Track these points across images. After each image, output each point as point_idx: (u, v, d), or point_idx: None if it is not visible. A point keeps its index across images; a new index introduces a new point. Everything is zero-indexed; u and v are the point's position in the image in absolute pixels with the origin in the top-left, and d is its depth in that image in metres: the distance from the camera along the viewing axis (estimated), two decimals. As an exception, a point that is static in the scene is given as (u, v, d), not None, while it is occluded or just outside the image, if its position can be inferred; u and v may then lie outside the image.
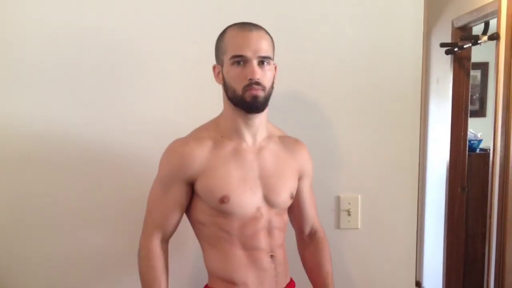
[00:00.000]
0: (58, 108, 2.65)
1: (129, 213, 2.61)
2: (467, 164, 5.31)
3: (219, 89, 2.13)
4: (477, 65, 6.29)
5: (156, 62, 2.67)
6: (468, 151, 5.34)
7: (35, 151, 2.66)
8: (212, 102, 2.23)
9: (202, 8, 2.66)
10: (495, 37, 4.19)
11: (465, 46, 4.91)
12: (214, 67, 2.12)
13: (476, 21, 4.82)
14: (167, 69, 2.68)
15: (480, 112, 6.80)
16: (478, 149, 5.84)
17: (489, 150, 4.40)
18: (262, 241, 2.11)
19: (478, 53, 5.32)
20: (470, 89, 5.26)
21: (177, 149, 2.08)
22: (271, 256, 2.14)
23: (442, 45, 5.16)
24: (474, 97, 6.73)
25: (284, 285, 2.21)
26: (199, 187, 2.06)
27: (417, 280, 5.98)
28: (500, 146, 4.10)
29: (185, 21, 2.66)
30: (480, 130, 5.92)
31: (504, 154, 4.05)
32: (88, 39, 2.63)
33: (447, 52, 5.19)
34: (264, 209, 2.11)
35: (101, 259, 2.74)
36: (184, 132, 2.16)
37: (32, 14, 2.61)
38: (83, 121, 2.66)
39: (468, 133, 5.33)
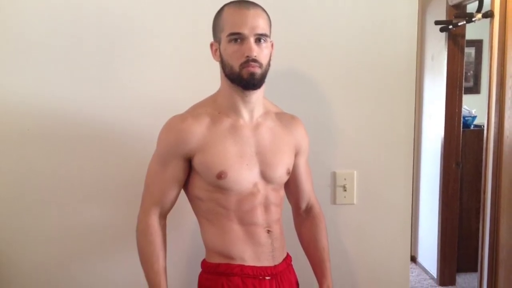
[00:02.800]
0: (57, 84, 2.65)
1: (128, 188, 2.62)
2: (462, 140, 5.35)
3: (216, 66, 2.15)
4: (471, 43, 6.30)
5: (154, 39, 2.67)
6: (463, 127, 5.38)
7: (34, 127, 2.67)
8: (209, 79, 2.24)
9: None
10: (489, 14, 4.21)
11: (459, 24, 4.93)
12: (211, 45, 2.13)
13: (470, -1, 4.84)
14: (166, 46, 2.68)
15: (474, 89, 6.81)
16: (472, 126, 5.87)
17: (483, 126, 4.43)
18: (259, 216, 2.14)
19: (472, 31, 5.33)
20: (464, 66, 5.29)
21: (175, 125, 2.10)
22: (268, 231, 2.16)
23: (437, 22, 5.17)
24: (469, 74, 6.73)
25: (281, 259, 2.23)
26: (196, 163, 2.08)
27: (412, 254, 6.04)
28: (494, 122, 4.13)
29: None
30: (474, 106, 5.95)
31: (498, 130, 4.08)
32: (87, 15, 2.63)
33: (441, 30, 5.21)
34: (261, 184, 2.13)
35: (100, 234, 2.76)
36: (182, 108, 2.18)
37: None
38: (82, 97, 2.67)
39: (463, 109, 5.36)
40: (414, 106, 2.82)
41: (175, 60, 2.70)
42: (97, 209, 2.76)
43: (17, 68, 2.64)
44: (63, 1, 2.62)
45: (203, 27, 2.28)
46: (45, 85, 2.65)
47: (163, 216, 2.18)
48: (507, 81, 3.98)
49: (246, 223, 2.12)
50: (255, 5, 2.04)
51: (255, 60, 1.98)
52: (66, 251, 2.77)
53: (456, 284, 5.57)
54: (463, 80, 5.27)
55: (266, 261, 2.16)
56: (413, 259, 6.19)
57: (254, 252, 2.14)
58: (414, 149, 2.85)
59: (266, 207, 2.15)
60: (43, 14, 2.62)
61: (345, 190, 2.74)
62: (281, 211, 2.25)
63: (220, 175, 2.04)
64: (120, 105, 2.68)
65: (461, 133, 5.32)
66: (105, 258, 2.80)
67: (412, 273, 5.88)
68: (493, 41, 4.15)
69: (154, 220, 2.13)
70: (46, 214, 2.73)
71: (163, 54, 2.69)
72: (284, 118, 2.26)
